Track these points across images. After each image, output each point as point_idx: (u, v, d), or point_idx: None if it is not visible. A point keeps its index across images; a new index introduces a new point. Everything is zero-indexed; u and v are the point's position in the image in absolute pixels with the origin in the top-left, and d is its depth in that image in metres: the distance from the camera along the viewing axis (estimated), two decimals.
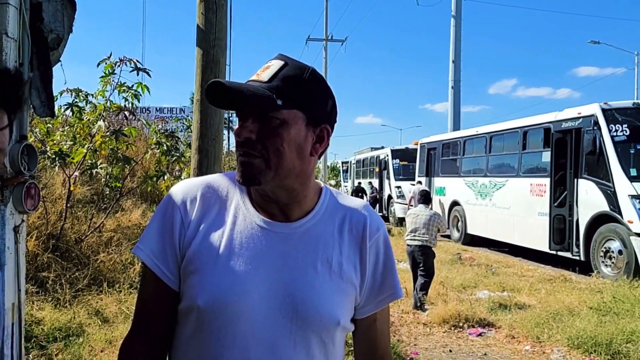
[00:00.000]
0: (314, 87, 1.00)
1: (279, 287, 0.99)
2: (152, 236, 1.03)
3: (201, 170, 2.95)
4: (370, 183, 21.17)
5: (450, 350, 4.78)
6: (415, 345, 4.90)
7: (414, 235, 6.18)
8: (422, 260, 6.12)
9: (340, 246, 1.05)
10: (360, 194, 19.78)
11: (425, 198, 6.53)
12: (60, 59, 2.98)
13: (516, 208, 10.38)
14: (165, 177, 6.57)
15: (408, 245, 6.28)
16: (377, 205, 19.01)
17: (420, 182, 15.02)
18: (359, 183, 22.88)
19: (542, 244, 9.47)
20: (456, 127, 18.97)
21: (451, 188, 13.41)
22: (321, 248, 1.03)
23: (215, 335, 0.97)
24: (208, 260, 0.99)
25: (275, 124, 0.96)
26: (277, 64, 0.99)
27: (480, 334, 5.22)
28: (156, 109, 21.58)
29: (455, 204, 13.09)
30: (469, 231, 12.32)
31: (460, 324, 5.42)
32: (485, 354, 4.69)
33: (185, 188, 1.06)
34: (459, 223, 12.83)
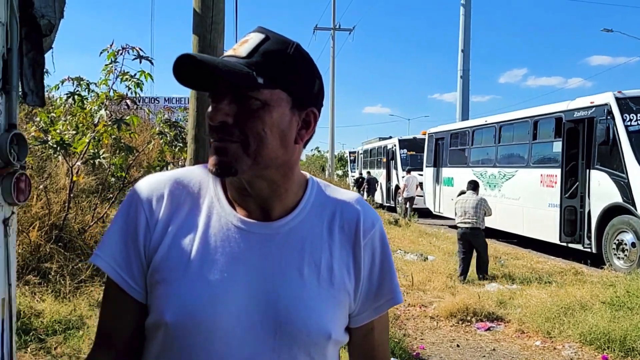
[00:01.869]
0: (300, 64, 0.87)
1: (260, 297, 0.86)
2: (114, 241, 0.90)
3: (197, 160, 2.84)
4: (369, 173, 21.25)
5: (458, 345, 4.67)
6: (421, 339, 4.80)
7: (464, 219, 7.15)
8: (475, 240, 7.07)
9: (330, 247, 0.92)
10: (361, 186, 19.87)
11: (474, 186, 7.62)
12: (52, 45, 2.87)
13: (526, 199, 10.21)
14: (169, 168, 6.48)
15: (459, 227, 7.22)
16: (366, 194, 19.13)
17: (409, 172, 16.22)
18: (360, 174, 22.86)
19: (552, 235, 9.31)
20: (465, 116, 18.77)
21: (459, 178, 13.25)
22: (308, 250, 0.90)
23: (186, 354, 0.84)
24: (177, 268, 0.86)
25: (255, 105, 0.83)
26: (256, 37, 0.85)
27: (488, 329, 5.10)
28: (165, 98, 21.48)
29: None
30: None
31: (468, 318, 5.30)
32: (494, 350, 4.58)
33: (150, 185, 0.92)
34: None
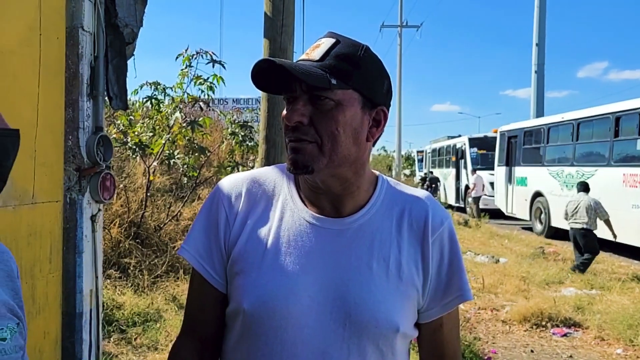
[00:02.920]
0: (369, 65, 0.90)
1: (330, 289, 0.90)
2: (198, 235, 0.98)
3: (268, 161, 2.92)
4: (431, 172, 20.83)
5: (532, 351, 4.50)
6: (493, 343, 4.66)
7: (575, 219, 7.23)
8: (583, 242, 7.14)
9: (399, 243, 0.94)
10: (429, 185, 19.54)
11: (584, 187, 7.62)
12: (134, 52, 3.04)
13: (606, 200, 9.60)
14: (240, 168, 6.67)
15: (570, 228, 7.36)
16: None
17: (474, 172, 16.16)
18: (425, 173, 22.49)
19: (636, 238, 8.75)
20: (539, 113, 17.96)
21: (533, 178, 12.72)
22: (377, 246, 0.93)
23: (262, 341, 0.90)
24: (254, 261, 0.92)
25: (329, 106, 0.87)
26: (328, 42, 0.90)
27: (565, 335, 4.87)
28: (233, 100, 21.96)
29: (537, 194, 12.40)
30: (553, 224, 11.63)
31: (543, 323, 5.09)
32: (570, 356, 4.37)
33: (229, 184, 1.00)
34: (542, 215, 12.15)
